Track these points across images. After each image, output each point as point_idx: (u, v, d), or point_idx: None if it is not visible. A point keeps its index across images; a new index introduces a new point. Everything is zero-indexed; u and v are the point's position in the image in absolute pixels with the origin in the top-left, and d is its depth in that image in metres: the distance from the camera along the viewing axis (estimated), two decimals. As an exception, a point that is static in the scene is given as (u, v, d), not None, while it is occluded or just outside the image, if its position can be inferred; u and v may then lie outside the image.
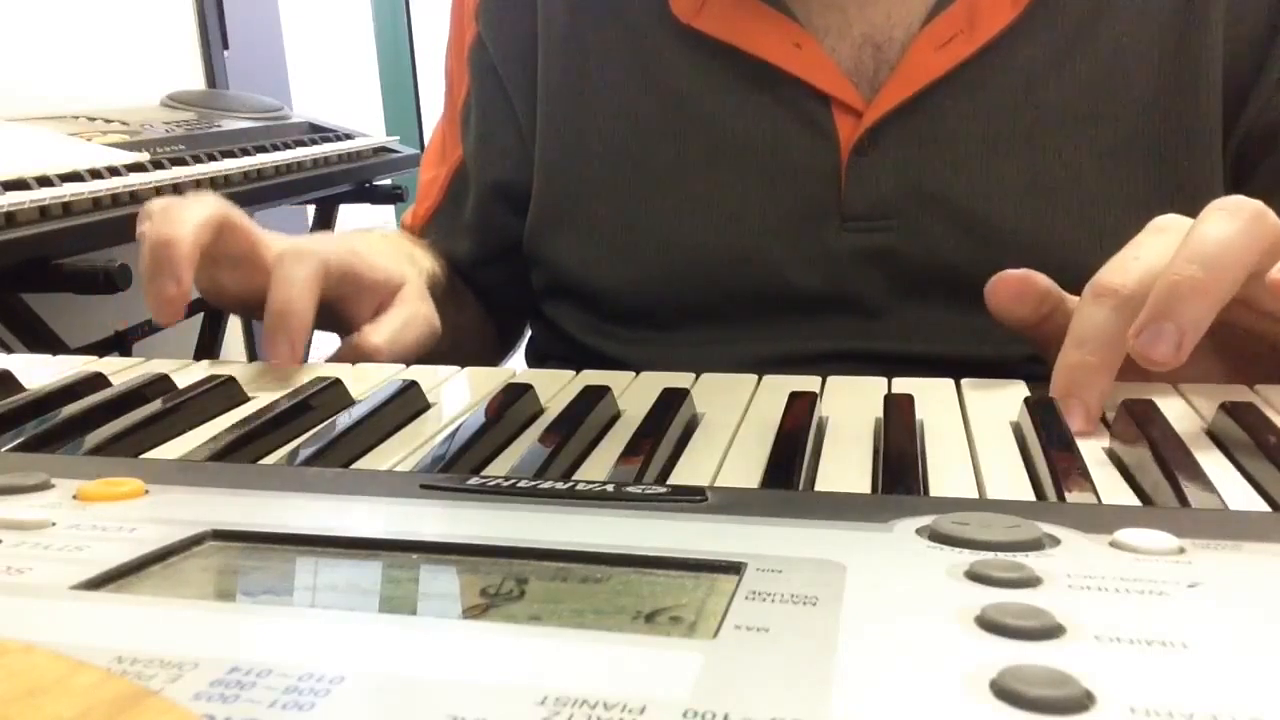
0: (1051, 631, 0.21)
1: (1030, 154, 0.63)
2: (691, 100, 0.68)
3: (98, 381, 0.49)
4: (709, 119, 0.67)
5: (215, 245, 0.56)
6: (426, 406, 0.46)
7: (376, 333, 0.59)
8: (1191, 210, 0.44)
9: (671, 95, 0.68)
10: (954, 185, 0.63)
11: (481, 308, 0.81)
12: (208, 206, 0.56)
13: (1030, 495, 0.34)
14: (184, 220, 0.54)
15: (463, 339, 0.76)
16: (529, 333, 0.83)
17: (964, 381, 0.47)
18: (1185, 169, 0.62)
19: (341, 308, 0.61)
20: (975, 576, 0.24)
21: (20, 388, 0.50)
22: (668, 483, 0.36)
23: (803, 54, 0.65)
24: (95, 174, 1.21)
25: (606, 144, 0.70)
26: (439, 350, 0.64)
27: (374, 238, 0.71)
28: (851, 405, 0.44)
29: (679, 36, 0.68)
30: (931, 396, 0.45)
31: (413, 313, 0.62)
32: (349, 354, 0.58)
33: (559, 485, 0.32)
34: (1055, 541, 0.26)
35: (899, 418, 0.41)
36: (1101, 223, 0.62)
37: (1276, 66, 0.62)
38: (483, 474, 0.34)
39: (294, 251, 0.56)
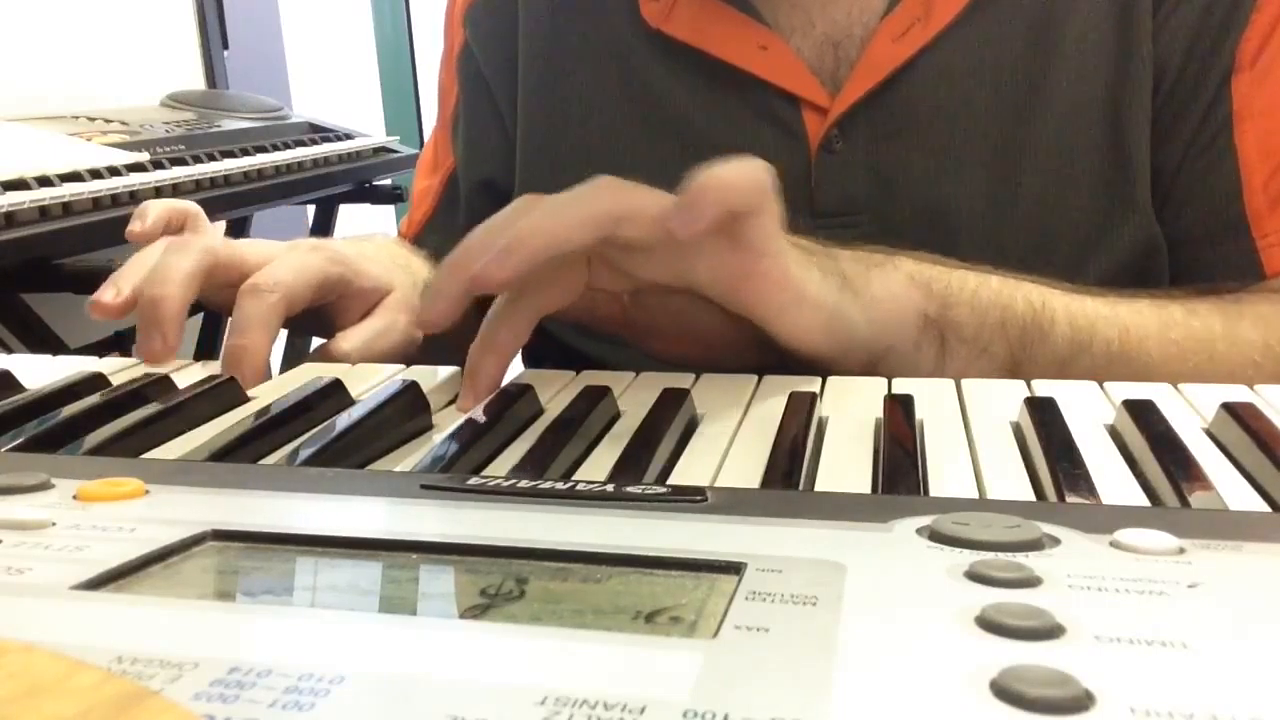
0: (1051, 631, 0.21)
1: (993, 136, 0.63)
2: (664, 103, 0.69)
3: (98, 381, 0.49)
4: (681, 122, 0.68)
5: (208, 289, 0.56)
6: (427, 406, 0.46)
7: (347, 339, 0.60)
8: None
9: (644, 98, 0.69)
10: (920, 174, 0.64)
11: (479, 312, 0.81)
12: (193, 256, 0.55)
13: (1030, 495, 0.34)
14: (170, 279, 0.54)
15: (465, 343, 0.76)
16: None
17: (964, 381, 0.47)
18: (1132, 145, 0.62)
19: (330, 313, 0.62)
20: (975, 576, 0.24)
21: (20, 388, 0.50)
22: (668, 483, 0.36)
23: (769, 55, 0.66)
24: (95, 174, 1.21)
25: (581, 146, 0.71)
26: (456, 347, 0.65)
27: (370, 245, 0.72)
28: (851, 405, 0.44)
29: (651, 41, 0.69)
30: (931, 396, 0.45)
31: (389, 322, 0.62)
32: (321, 358, 0.59)
33: (559, 485, 0.32)
34: (1055, 541, 0.26)
35: (899, 418, 0.41)
36: (1060, 201, 0.63)
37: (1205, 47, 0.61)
38: (483, 474, 0.34)
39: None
